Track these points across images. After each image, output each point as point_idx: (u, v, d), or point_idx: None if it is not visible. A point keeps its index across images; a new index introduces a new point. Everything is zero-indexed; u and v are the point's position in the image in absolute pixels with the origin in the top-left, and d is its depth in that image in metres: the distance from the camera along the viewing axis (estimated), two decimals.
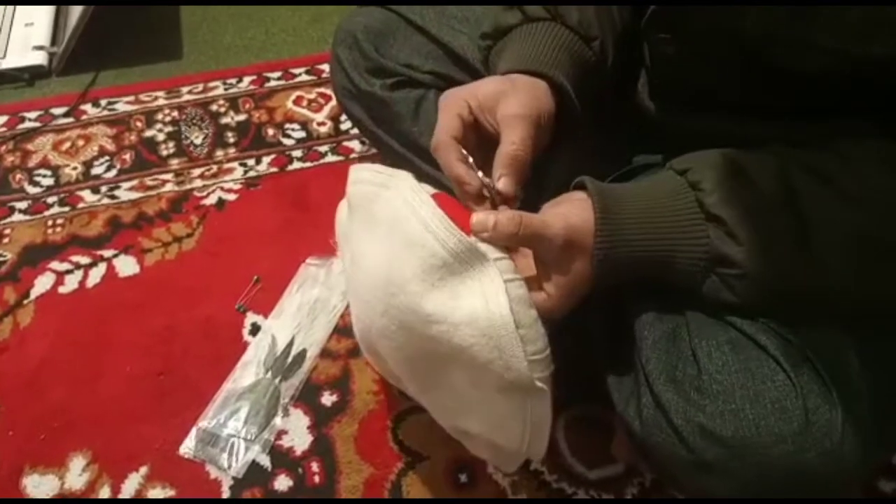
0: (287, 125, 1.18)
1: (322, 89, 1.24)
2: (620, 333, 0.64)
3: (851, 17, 0.50)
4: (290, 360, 0.86)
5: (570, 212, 0.55)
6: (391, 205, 0.56)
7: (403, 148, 0.91)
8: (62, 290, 0.95)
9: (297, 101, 1.23)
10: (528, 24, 0.66)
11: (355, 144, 1.14)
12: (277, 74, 1.29)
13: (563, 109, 0.63)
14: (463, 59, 0.88)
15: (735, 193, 0.54)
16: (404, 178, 0.58)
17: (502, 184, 0.56)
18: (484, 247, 0.54)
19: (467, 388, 0.58)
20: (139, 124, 1.19)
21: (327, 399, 0.83)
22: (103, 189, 1.09)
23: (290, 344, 0.87)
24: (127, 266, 0.98)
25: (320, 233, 1.00)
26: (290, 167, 1.11)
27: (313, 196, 1.06)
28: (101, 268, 0.98)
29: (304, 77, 1.28)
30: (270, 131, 1.17)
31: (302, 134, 1.17)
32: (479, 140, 0.61)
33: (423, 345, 0.57)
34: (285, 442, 0.80)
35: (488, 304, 0.52)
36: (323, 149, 1.14)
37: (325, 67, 1.26)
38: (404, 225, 0.54)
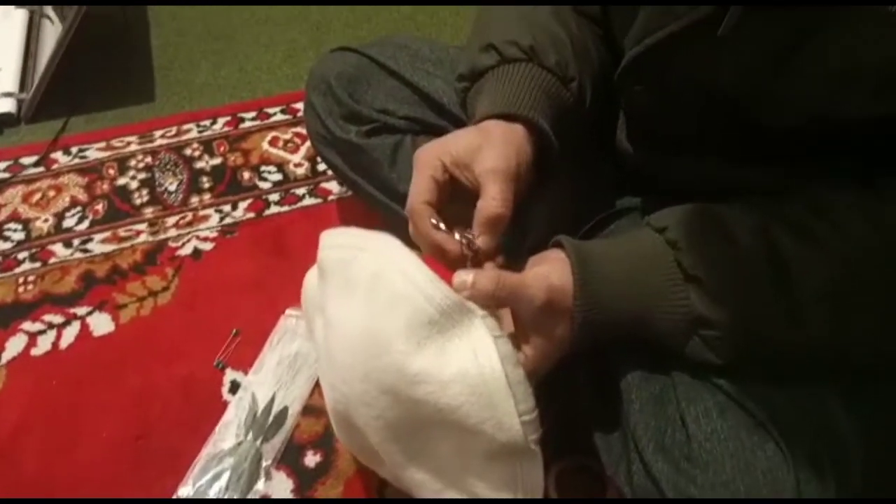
0: (263, 167, 1.17)
1: (298, 129, 1.23)
2: (607, 391, 0.62)
3: (825, 74, 0.49)
4: (271, 419, 0.84)
5: (551, 272, 0.54)
6: (370, 264, 0.54)
7: (381, 194, 0.90)
8: (35, 352, 0.93)
9: (272, 142, 1.21)
10: (505, 65, 0.65)
11: (333, 186, 1.12)
12: (252, 114, 1.27)
13: (542, 152, 0.62)
14: (438, 103, 0.87)
15: (714, 254, 0.53)
16: (382, 238, 0.57)
17: (482, 241, 0.55)
18: (470, 303, 0.52)
19: (453, 458, 0.57)
20: (112, 172, 1.17)
21: (311, 459, 0.81)
22: (76, 242, 1.06)
23: (271, 402, 0.85)
24: (101, 324, 0.95)
25: (300, 281, 0.97)
26: (267, 212, 1.09)
27: (291, 242, 1.04)
28: (75, 327, 0.95)
29: (280, 116, 1.26)
30: (246, 175, 1.15)
31: (278, 176, 1.15)
32: (457, 193, 0.59)
33: (407, 410, 0.55)
34: None
35: (478, 360, 0.50)
36: (300, 191, 1.12)
37: (301, 106, 1.24)
38: (387, 282, 0.53)
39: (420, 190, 0.57)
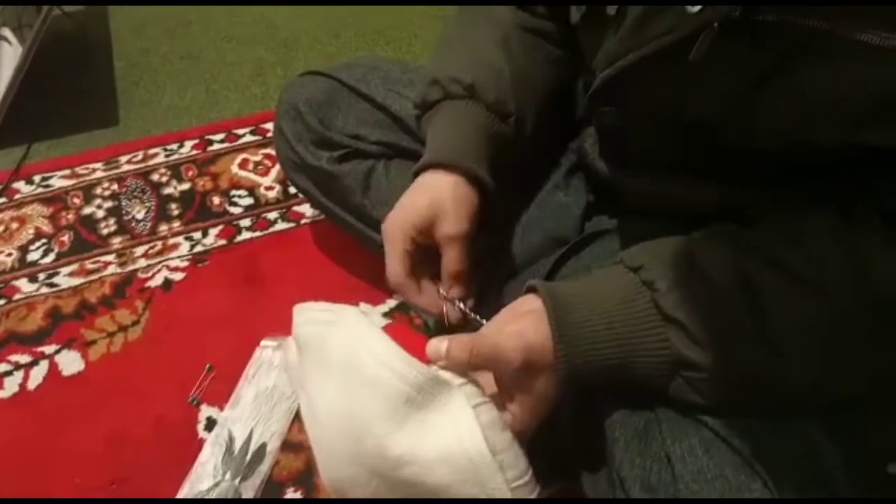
0: (233, 192, 1.14)
1: (268, 150, 1.20)
2: (590, 426, 0.61)
3: (800, 103, 0.49)
4: (248, 457, 0.82)
5: (526, 329, 0.53)
6: (343, 344, 0.54)
7: (354, 219, 0.88)
8: (1, 394, 0.90)
9: (242, 165, 1.19)
10: (448, 100, 0.70)
11: (306, 209, 1.10)
12: (220, 136, 1.24)
13: (483, 191, 0.68)
14: (410, 126, 0.85)
15: (691, 293, 0.52)
16: (351, 315, 0.56)
17: (455, 292, 0.66)
18: (445, 374, 0.51)
19: None
20: (77, 201, 1.14)
21: (291, 496, 0.79)
22: (41, 277, 1.03)
23: (249, 438, 0.83)
24: (71, 363, 0.92)
25: (272, 310, 0.96)
26: (239, 238, 1.07)
27: (264, 269, 1.02)
28: (43, 367, 0.92)
29: (249, 138, 1.24)
30: (216, 200, 1.13)
31: (249, 200, 1.13)
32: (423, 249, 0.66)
33: (399, 487, 0.53)
34: None
35: (461, 438, 0.49)
36: (272, 216, 1.10)
37: (270, 126, 1.22)
38: (360, 365, 0.51)
39: (399, 265, 0.66)
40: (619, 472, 0.55)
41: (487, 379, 0.54)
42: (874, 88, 0.44)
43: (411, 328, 0.57)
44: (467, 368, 0.52)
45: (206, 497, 0.78)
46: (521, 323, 0.54)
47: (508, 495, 0.48)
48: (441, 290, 0.65)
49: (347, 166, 0.86)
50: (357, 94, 0.87)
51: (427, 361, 0.52)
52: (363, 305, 0.94)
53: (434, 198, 0.65)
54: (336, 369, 0.54)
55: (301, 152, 0.87)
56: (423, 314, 0.93)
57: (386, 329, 0.54)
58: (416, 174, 0.68)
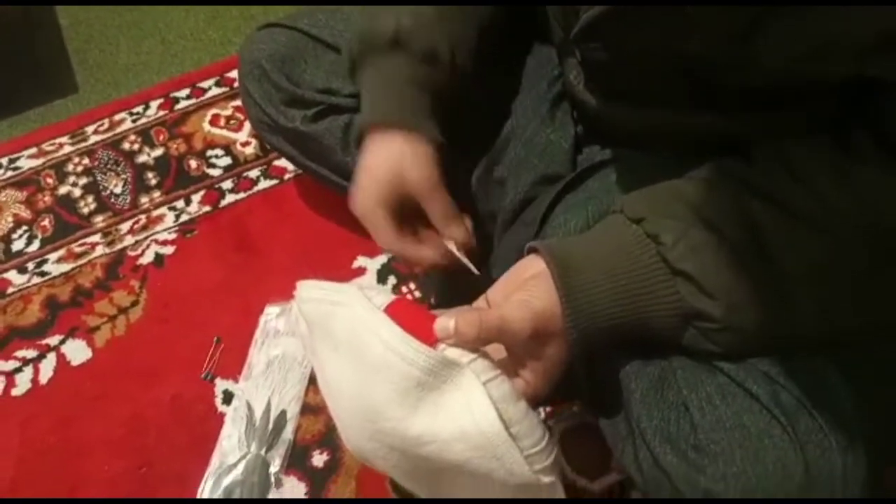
0: (209, 152, 1.10)
1: (237, 102, 1.15)
2: (604, 377, 0.62)
3: (798, 43, 0.46)
4: (270, 426, 0.83)
5: (531, 296, 0.52)
6: (348, 326, 0.53)
7: (340, 178, 0.85)
8: (15, 392, 0.90)
9: (213, 122, 1.14)
10: (373, 55, 0.68)
11: (287, 163, 1.06)
12: (185, 92, 1.19)
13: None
14: None
15: (698, 243, 0.51)
16: (353, 295, 0.54)
17: (454, 233, 0.66)
18: (454, 352, 0.51)
19: (476, 492, 0.56)
20: (50, 181, 1.10)
21: (318, 459, 0.81)
22: (30, 266, 1.01)
23: (268, 408, 0.84)
24: (77, 352, 0.92)
25: (270, 275, 0.96)
26: (223, 202, 1.04)
27: (254, 232, 1.00)
28: (51, 359, 0.92)
29: (215, 90, 1.18)
30: (193, 163, 1.09)
31: (227, 160, 1.09)
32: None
33: (419, 462, 0.54)
34: None
35: (475, 416, 0.49)
36: (253, 174, 1.07)
37: (235, 75, 1.16)
38: (367, 350, 0.51)
39: (387, 237, 0.66)
40: (639, 425, 0.55)
41: (497, 348, 0.53)
42: (881, 24, 0.41)
43: (413, 303, 0.56)
44: (476, 344, 0.51)
45: (235, 470, 0.80)
46: (527, 290, 0.53)
47: (527, 470, 0.49)
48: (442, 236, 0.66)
49: (323, 124, 0.82)
50: (322, 44, 0.83)
51: (433, 338, 0.52)
52: (364, 281, 0.93)
53: (390, 163, 0.65)
54: (344, 350, 0.54)
55: (272, 114, 0.84)
56: (423, 281, 0.92)
57: (389, 309, 0.53)
58: (359, 138, 0.69)
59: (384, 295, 0.55)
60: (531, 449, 0.50)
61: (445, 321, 0.50)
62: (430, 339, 0.51)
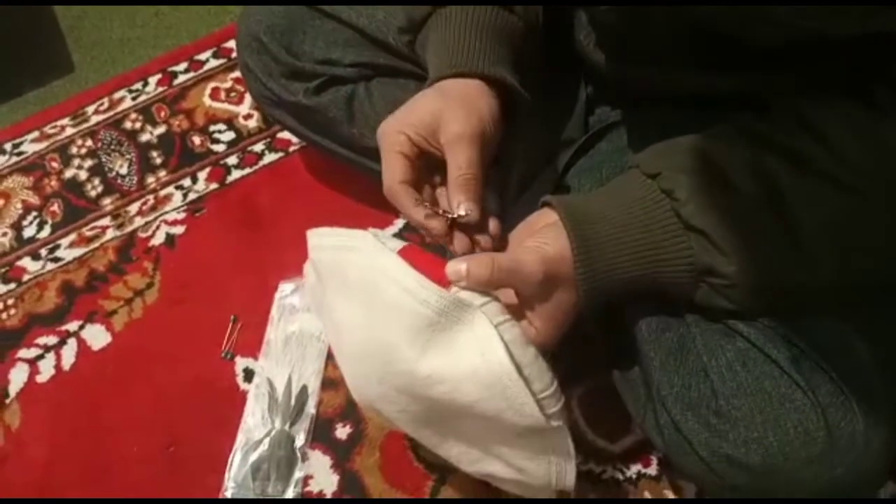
0: (212, 127, 1.09)
1: (235, 74, 1.13)
2: (621, 339, 0.62)
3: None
4: (293, 401, 0.84)
5: (544, 243, 0.52)
6: (361, 270, 0.53)
7: (347, 151, 0.85)
8: (40, 379, 0.92)
9: (214, 95, 1.12)
10: (441, 10, 0.61)
11: (290, 135, 1.05)
12: (183, 66, 1.17)
13: (509, 98, 0.60)
14: (384, 42, 0.79)
15: (713, 199, 0.50)
16: (367, 240, 0.55)
17: (463, 209, 0.55)
18: (466, 295, 0.51)
19: (483, 436, 0.57)
20: (55, 165, 1.10)
21: (341, 432, 0.83)
22: (43, 253, 1.02)
23: (289, 384, 0.85)
24: (97, 337, 0.93)
25: (281, 250, 0.95)
26: (230, 178, 1.03)
27: (263, 208, 1.00)
28: (72, 345, 0.93)
29: (213, 62, 1.16)
30: (196, 140, 1.08)
31: (231, 135, 1.08)
32: (430, 162, 0.58)
33: (428, 405, 0.55)
34: (313, 487, 0.80)
35: (485, 356, 0.49)
36: (258, 148, 1.06)
37: (233, 45, 1.14)
38: (381, 292, 0.51)
39: (392, 170, 0.56)
40: (660, 392, 0.56)
41: (507, 293, 0.53)
42: None
43: (425, 249, 0.56)
44: (488, 287, 0.51)
45: (261, 446, 0.81)
46: (540, 237, 0.53)
47: (536, 411, 0.49)
48: (448, 213, 0.55)
49: (326, 96, 0.81)
50: (320, 14, 0.81)
51: (445, 282, 0.52)
52: (373, 229, 0.92)
53: (439, 95, 0.57)
54: (356, 295, 0.54)
55: (274, 88, 0.82)
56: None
57: (401, 253, 0.54)
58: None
59: (396, 241, 0.55)
60: (541, 393, 0.50)
61: (457, 264, 0.51)
62: (442, 283, 0.51)
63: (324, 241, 0.58)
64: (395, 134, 0.56)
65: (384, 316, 0.52)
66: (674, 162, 0.53)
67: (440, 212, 0.56)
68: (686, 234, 0.51)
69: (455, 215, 0.55)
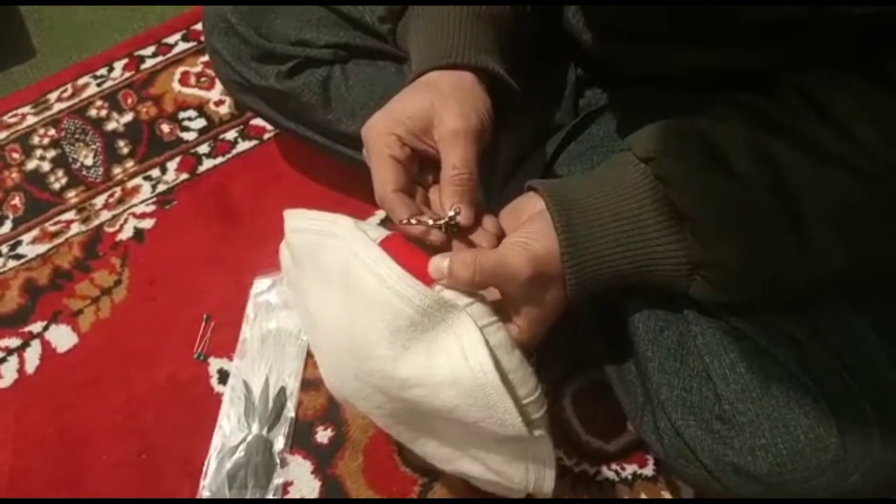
0: (181, 114, 1.04)
1: (206, 57, 1.07)
2: (615, 334, 0.58)
3: None
4: (270, 404, 0.80)
5: (530, 238, 0.48)
6: (341, 259, 0.49)
7: (323, 138, 0.80)
8: (2, 384, 0.87)
9: (183, 81, 1.07)
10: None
11: (264, 121, 1.00)
12: (151, 50, 1.11)
13: (498, 90, 0.56)
14: (360, 21, 0.75)
15: (710, 185, 0.46)
16: (347, 226, 0.51)
17: (462, 217, 0.51)
18: (450, 294, 0.47)
19: (461, 438, 0.54)
20: (16, 156, 1.04)
21: (323, 436, 0.78)
22: (4, 249, 0.96)
23: (266, 386, 0.81)
24: (63, 338, 0.88)
25: (256, 245, 0.91)
26: (201, 168, 0.98)
27: (237, 199, 0.95)
28: (36, 347, 0.88)
29: (182, 45, 1.11)
30: (165, 128, 1.03)
31: (201, 122, 1.02)
32: (423, 160, 0.54)
33: (403, 405, 0.52)
34: (293, 494, 0.76)
35: (469, 362, 0.46)
36: (230, 136, 1.00)
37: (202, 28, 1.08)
38: (361, 286, 0.47)
39: (384, 178, 0.51)
40: (659, 395, 0.52)
41: (491, 290, 0.50)
42: None
43: (407, 241, 0.51)
44: (471, 287, 0.48)
45: (237, 452, 0.77)
46: (525, 232, 0.49)
47: (518, 422, 0.46)
48: (441, 223, 0.51)
49: (300, 80, 0.76)
50: None
51: (428, 278, 0.48)
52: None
53: (429, 89, 0.53)
54: (333, 284, 0.50)
55: (244, 73, 0.78)
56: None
57: (383, 244, 0.50)
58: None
59: (379, 230, 0.51)
60: (525, 398, 0.47)
61: (440, 261, 0.47)
62: (425, 278, 0.48)
63: (302, 224, 0.54)
64: (384, 135, 0.52)
65: (362, 311, 0.49)
66: (669, 145, 0.49)
67: (433, 220, 0.51)
68: (681, 224, 0.47)
69: (447, 218, 0.51)
